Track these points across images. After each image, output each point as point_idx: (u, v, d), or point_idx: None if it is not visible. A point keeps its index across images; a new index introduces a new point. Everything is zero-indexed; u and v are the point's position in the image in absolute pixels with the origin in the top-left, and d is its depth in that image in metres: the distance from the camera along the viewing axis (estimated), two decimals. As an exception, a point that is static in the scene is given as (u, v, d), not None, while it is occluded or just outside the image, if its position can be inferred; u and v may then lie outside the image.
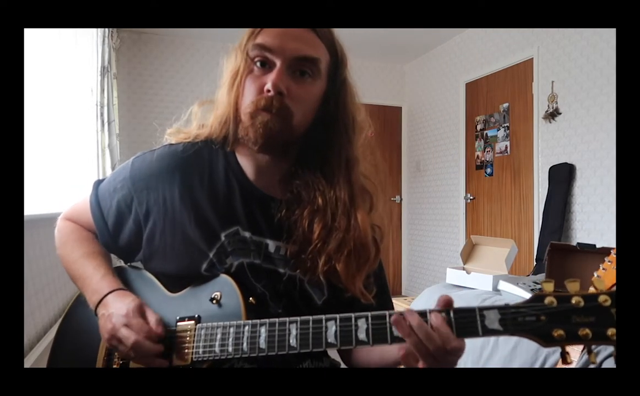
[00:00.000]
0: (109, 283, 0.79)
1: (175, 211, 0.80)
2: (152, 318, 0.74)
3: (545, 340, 0.58)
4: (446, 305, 0.63)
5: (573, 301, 0.58)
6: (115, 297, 0.76)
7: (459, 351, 0.62)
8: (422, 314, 0.62)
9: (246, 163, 0.83)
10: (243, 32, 0.80)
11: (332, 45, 0.80)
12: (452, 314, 0.62)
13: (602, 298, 0.58)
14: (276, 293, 0.79)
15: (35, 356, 1.32)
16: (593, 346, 0.59)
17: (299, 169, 0.81)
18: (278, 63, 0.74)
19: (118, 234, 0.84)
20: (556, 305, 0.59)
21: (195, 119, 0.87)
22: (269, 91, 0.73)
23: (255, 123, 0.74)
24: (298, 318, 0.67)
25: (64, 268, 0.87)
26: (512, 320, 0.60)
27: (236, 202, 0.81)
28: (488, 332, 0.60)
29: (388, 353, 0.77)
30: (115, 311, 0.74)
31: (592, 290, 0.60)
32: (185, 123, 0.88)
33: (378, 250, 0.84)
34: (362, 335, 0.64)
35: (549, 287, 0.60)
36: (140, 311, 0.74)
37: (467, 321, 0.61)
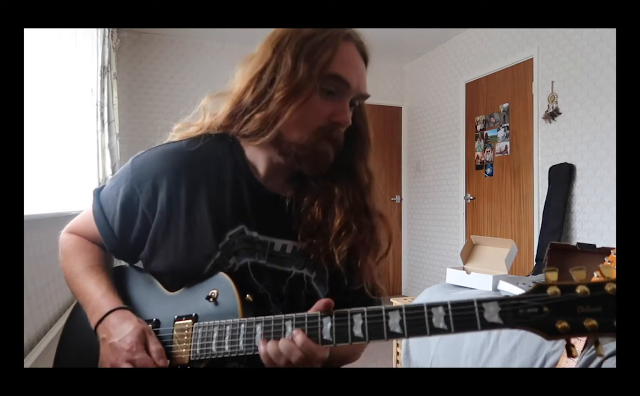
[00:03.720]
0: (109, 302, 0.77)
1: (180, 210, 0.79)
2: (153, 348, 0.72)
3: (549, 332, 0.56)
4: (326, 307, 0.66)
5: (578, 290, 0.55)
6: (116, 320, 0.74)
7: (322, 361, 0.64)
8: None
9: (258, 162, 0.82)
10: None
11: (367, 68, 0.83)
12: (449, 307, 0.60)
13: (609, 286, 0.54)
14: (278, 294, 0.79)
15: (35, 356, 1.32)
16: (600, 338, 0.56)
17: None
18: (346, 97, 0.77)
19: (126, 238, 0.82)
20: (560, 295, 0.56)
21: (206, 113, 0.86)
22: (338, 123, 0.76)
23: (318, 151, 0.77)
24: (293, 315, 0.67)
25: (67, 283, 0.86)
26: (513, 312, 0.57)
27: (244, 201, 0.80)
28: (487, 326, 0.58)
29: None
30: (118, 342, 0.72)
31: (596, 278, 0.57)
32: (194, 117, 0.87)
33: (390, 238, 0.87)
34: (357, 331, 0.63)
35: (553, 276, 0.57)
36: (143, 341, 0.72)
37: (465, 315, 0.59)
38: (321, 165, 0.79)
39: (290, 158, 0.78)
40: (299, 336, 0.64)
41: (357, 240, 0.80)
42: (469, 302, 0.59)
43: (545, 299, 0.56)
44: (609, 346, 1.26)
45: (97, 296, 0.78)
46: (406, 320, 0.62)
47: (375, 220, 0.83)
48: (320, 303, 0.67)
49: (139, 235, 0.81)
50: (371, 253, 0.82)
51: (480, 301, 0.59)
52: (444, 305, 0.60)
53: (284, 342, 0.65)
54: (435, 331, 0.60)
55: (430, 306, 0.61)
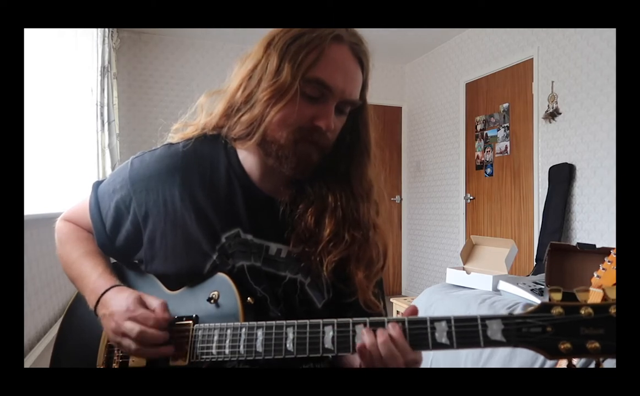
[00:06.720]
0: (105, 281, 0.78)
1: (176, 213, 0.79)
2: (155, 303, 0.73)
3: (551, 352, 0.56)
4: (412, 314, 0.65)
5: (582, 312, 0.55)
6: (112, 294, 0.76)
7: (415, 364, 0.63)
8: (380, 324, 0.63)
9: (252, 164, 0.81)
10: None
11: (366, 71, 0.79)
12: (453, 322, 0.60)
13: (614, 309, 0.55)
14: (276, 297, 0.79)
15: (35, 356, 1.32)
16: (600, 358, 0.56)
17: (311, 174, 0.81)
18: (330, 102, 0.74)
19: (115, 236, 0.83)
20: (564, 315, 0.56)
21: (202, 111, 0.85)
22: (319, 127, 0.73)
23: (298, 152, 0.75)
24: (295, 322, 0.66)
25: (64, 269, 0.86)
26: (516, 331, 0.57)
27: (238, 204, 0.80)
28: (490, 343, 0.58)
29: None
30: (116, 308, 0.73)
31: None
32: (191, 116, 0.87)
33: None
34: (360, 341, 0.63)
35: (557, 296, 0.57)
36: (141, 302, 0.73)
37: (468, 332, 0.59)
38: (302, 166, 0.76)
39: (272, 159, 0.77)
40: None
41: (348, 252, 0.78)
42: (473, 319, 0.59)
43: (549, 319, 0.57)
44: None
45: (93, 277, 0.79)
46: (408, 333, 0.62)
47: (369, 234, 0.80)
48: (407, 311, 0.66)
49: (128, 235, 0.82)
50: (363, 267, 0.80)
51: (484, 318, 0.59)
52: (447, 319, 0.60)
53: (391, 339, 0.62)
54: (438, 346, 0.60)
55: (434, 320, 0.61)
